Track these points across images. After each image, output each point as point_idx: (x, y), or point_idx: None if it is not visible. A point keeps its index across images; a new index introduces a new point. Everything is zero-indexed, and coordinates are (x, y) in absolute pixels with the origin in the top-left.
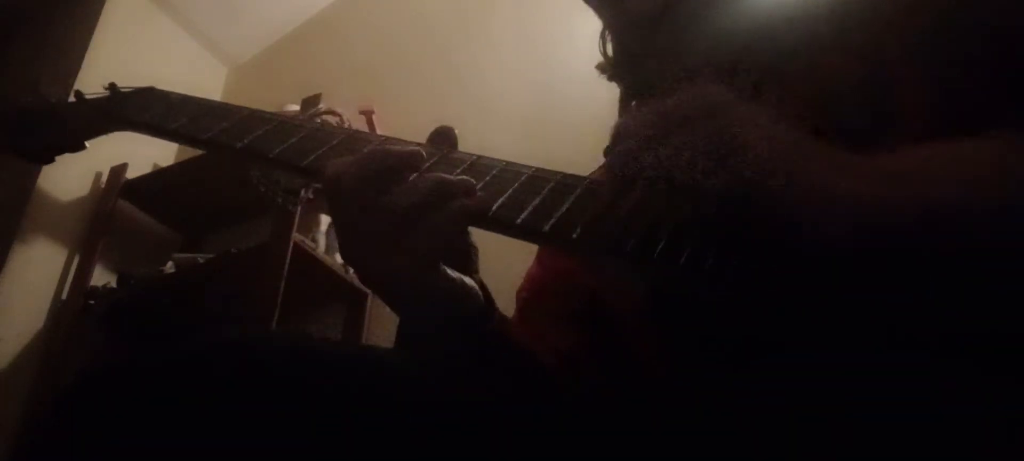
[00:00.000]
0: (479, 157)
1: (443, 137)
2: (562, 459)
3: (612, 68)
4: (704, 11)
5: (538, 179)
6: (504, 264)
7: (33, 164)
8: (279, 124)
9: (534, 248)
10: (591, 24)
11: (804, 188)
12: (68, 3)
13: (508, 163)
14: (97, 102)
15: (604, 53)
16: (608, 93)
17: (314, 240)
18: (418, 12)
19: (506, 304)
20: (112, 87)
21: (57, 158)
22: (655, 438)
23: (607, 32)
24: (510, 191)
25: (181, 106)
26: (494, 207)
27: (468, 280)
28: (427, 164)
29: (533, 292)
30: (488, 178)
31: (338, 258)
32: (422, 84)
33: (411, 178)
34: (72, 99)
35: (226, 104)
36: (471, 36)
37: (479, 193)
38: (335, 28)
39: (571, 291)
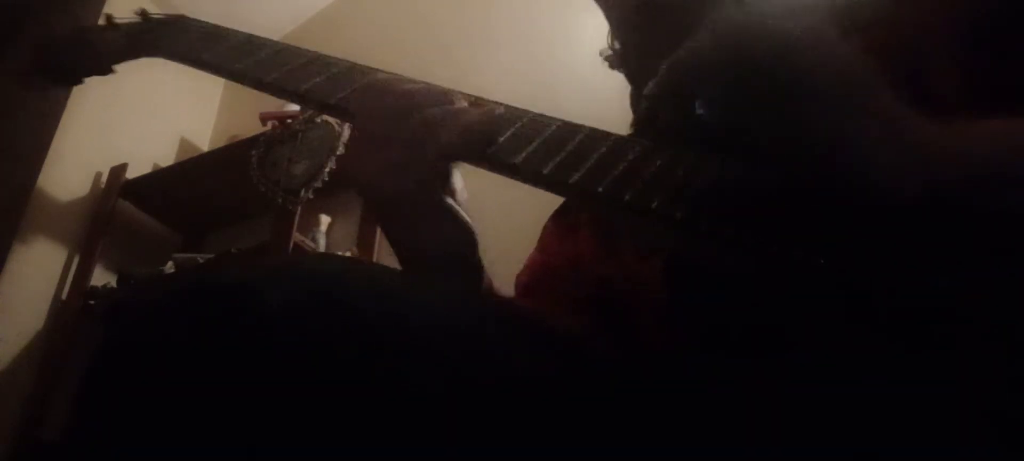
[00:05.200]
0: (507, 107)
1: None
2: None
3: (619, 59)
4: None
5: (566, 131)
6: (504, 249)
7: (62, 89)
8: (310, 59)
9: (534, 239)
10: (591, 22)
11: (897, 122)
12: (68, 3)
13: (537, 114)
14: (128, 28)
15: (611, 45)
16: (609, 92)
17: (314, 240)
18: (418, 12)
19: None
20: (143, 13)
21: (58, 154)
22: (660, 416)
23: (614, 27)
24: (536, 142)
25: (212, 37)
26: (520, 157)
27: (470, 222)
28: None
29: (535, 277)
30: (514, 129)
31: None
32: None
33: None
34: (102, 23)
35: (258, 37)
36: (471, 36)
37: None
38: (335, 28)
39: (579, 278)
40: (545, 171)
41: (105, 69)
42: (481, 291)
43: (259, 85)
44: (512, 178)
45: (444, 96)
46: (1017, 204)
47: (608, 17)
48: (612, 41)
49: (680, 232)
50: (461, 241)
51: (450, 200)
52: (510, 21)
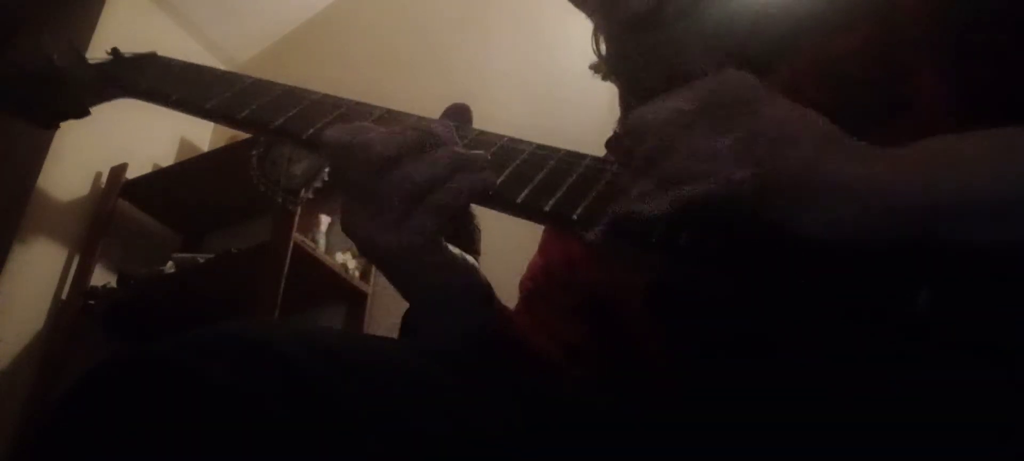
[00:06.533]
0: (480, 132)
1: (457, 113)
2: (564, 452)
3: (606, 68)
4: (697, 6)
5: (540, 156)
6: (506, 251)
7: (41, 129)
8: (283, 93)
9: (536, 236)
10: (588, 26)
11: (818, 174)
12: (68, 3)
13: (511, 138)
14: (100, 67)
15: (598, 53)
16: (607, 94)
17: (314, 240)
18: (418, 12)
19: (506, 293)
20: (115, 52)
21: (58, 154)
22: (658, 433)
23: (599, 32)
24: (511, 167)
25: (184, 74)
26: (495, 184)
27: (470, 259)
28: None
29: (537, 284)
30: (489, 154)
31: (338, 258)
32: (422, 84)
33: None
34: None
35: (231, 72)
36: (471, 36)
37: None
38: (335, 28)
39: (575, 285)
40: (519, 199)
41: (82, 112)
42: (486, 328)
43: (231, 122)
44: (487, 207)
45: (422, 143)
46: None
47: (597, 26)
48: (598, 47)
49: (658, 254)
50: (460, 285)
51: (443, 248)
52: (509, 23)
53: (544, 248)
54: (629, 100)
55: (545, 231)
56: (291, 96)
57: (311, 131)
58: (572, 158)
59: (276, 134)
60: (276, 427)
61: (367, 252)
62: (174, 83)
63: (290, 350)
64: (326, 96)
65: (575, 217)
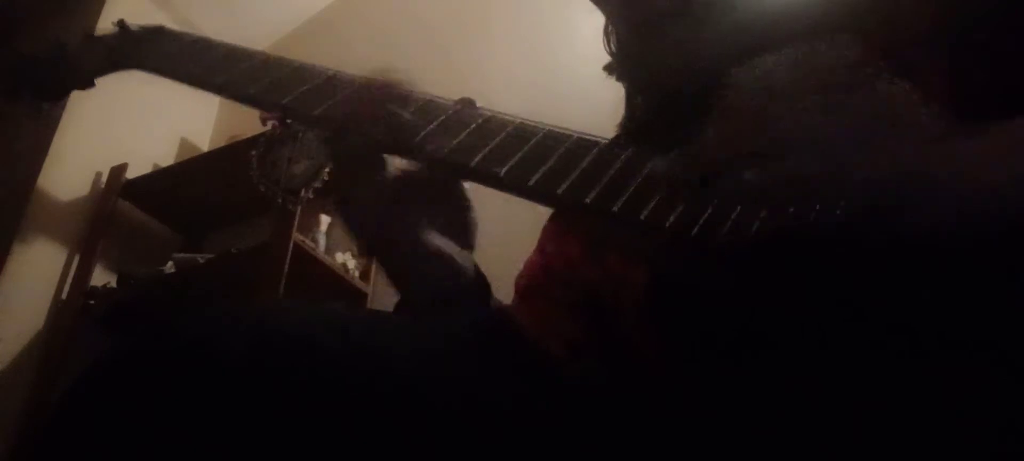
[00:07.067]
0: (492, 114)
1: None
2: (561, 445)
3: (619, 66)
4: (719, 4)
5: (553, 140)
6: (505, 251)
7: (49, 104)
8: (293, 70)
9: (535, 234)
10: (591, 23)
11: (912, 173)
12: (68, 3)
13: (522, 121)
14: (107, 41)
15: (610, 51)
16: (607, 92)
17: (314, 240)
18: (418, 12)
19: (504, 292)
20: (121, 24)
21: (58, 154)
22: (656, 431)
23: (612, 29)
24: (523, 151)
25: (192, 49)
26: (504, 169)
27: (467, 256)
28: (441, 119)
29: (535, 279)
30: (502, 137)
31: (338, 258)
32: (422, 84)
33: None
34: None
35: (240, 48)
36: (471, 36)
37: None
38: (335, 28)
39: (574, 282)
40: (531, 182)
41: (86, 83)
42: (483, 322)
43: (240, 98)
44: (499, 190)
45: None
46: None
47: (613, 24)
48: (609, 45)
49: (669, 240)
50: (446, 277)
51: (429, 237)
52: (509, 22)
53: (543, 247)
54: (637, 99)
55: (544, 230)
56: (301, 73)
57: (320, 110)
58: (585, 143)
59: (285, 112)
60: (291, 405)
61: (344, 217)
62: (183, 58)
63: (304, 330)
64: (337, 73)
65: (588, 201)
